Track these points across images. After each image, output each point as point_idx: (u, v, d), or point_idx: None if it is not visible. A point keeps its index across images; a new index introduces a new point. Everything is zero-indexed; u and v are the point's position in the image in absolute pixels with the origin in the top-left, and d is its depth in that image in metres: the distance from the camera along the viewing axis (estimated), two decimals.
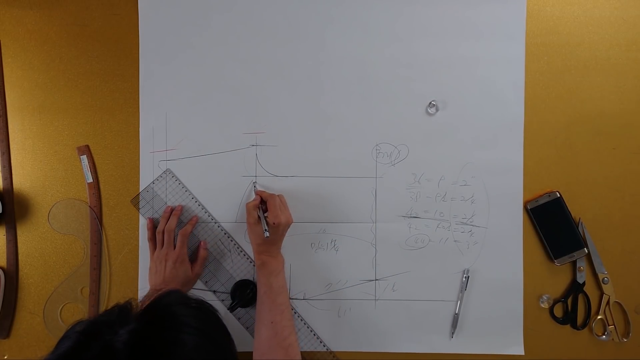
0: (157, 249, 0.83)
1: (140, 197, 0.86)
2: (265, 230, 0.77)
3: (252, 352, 0.79)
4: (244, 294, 0.82)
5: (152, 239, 0.84)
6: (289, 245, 0.85)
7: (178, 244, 0.82)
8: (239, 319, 0.85)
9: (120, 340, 0.47)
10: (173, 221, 0.83)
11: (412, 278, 0.85)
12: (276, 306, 0.78)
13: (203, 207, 0.86)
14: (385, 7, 0.86)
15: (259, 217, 0.79)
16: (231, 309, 0.82)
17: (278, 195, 0.82)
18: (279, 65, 0.86)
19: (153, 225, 0.84)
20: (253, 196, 0.85)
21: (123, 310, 0.51)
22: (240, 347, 0.84)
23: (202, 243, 0.84)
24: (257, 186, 0.85)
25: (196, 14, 0.86)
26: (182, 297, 0.55)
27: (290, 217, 0.81)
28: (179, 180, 0.86)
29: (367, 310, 0.86)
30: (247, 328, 0.85)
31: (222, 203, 0.86)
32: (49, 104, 0.86)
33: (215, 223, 0.86)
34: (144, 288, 0.85)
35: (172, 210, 0.84)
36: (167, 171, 0.86)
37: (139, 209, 0.86)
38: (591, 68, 0.87)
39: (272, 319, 0.77)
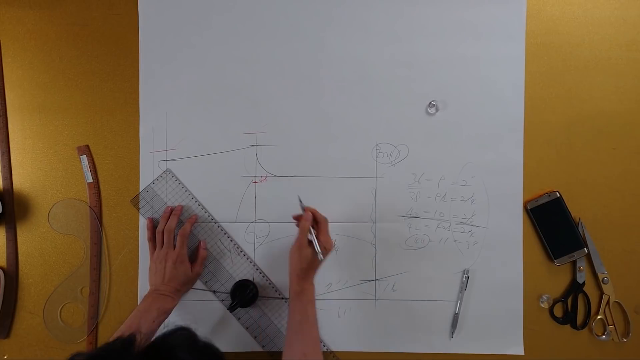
0: (157, 249, 0.83)
1: (140, 197, 0.86)
2: (320, 252, 0.74)
3: (251, 352, 0.79)
4: (244, 294, 0.82)
5: (152, 239, 0.84)
6: (289, 245, 0.85)
7: (178, 243, 0.81)
8: (238, 319, 0.85)
9: None
10: (173, 221, 0.83)
11: (412, 278, 0.85)
12: (311, 338, 0.75)
13: (203, 207, 0.86)
14: (385, 7, 0.86)
15: (309, 239, 0.76)
16: (231, 309, 0.82)
17: (325, 218, 0.80)
18: (279, 65, 0.86)
19: (153, 225, 0.84)
20: (299, 209, 0.81)
21: (125, 345, 0.50)
22: (240, 347, 0.85)
23: (201, 243, 0.84)
24: (303, 202, 0.80)
25: (196, 14, 0.86)
26: (189, 339, 0.53)
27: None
28: (179, 180, 0.86)
29: (367, 310, 0.86)
30: (247, 328, 0.85)
31: (222, 203, 0.86)
32: (49, 104, 0.86)
33: (215, 223, 0.86)
34: (144, 288, 0.85)
35: (172, 210, 0.84)
36: (167, 171, 0.86)
37: (139, 209, 0.86)
38: (591, 68, 0.87)
39: (304, 350, 0.73)
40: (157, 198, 0.86)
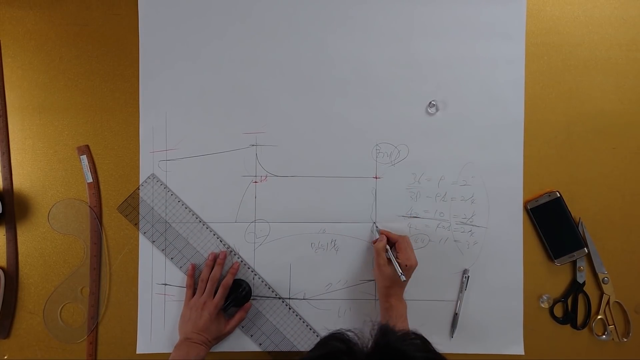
0: (195, 296, 0.82)
1: (126, 204, 0.85)
2: (401, 274, 0.76)
3: (248, 352, 0.79)
4: (237, 294, 0.82)
5: (192, 285, 0.83)
6: (289, 245, 0.85)
7: (218, 294, 0.81)
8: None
9: None
10: (218, 271, 0.82)
11: (412, 278, 0.85)
12: None
13: (190, 210, 0.85)
14: (385, 7, 0.86)
15: (388, 258, 0.79)
16: (224, 309, 0.81)
17: (404, 237, 0.82)
18: (279, 65, 0.86)
19: (193, 273, 0.84)
20: (374, 234, 0.85)
21: (349, 347, 0.49)
22: (236, 347, 0.85)
23: (247, 305, 0.83)
24: (379, 226, 0.85)
25: (196, 14, 0.86)
26: (425, 350, 0.51)
27: (416, 259, 0.79)
28: (165, 184, 0.85)
29: (367, 310, 0.86)
30: (243, 327, 0.85)
31: (222, 203, 0.86)
32: (49, 104, 0.86)
33: (204, 225, 0.85)
34: (144, 288, 0.85)
35: (215, 257, 0.84)
36: (152, 176, 0.85)
37: (126, 215, 0.85)
38: (591, 68, 0.87)
39: None
40: (144, 204, 0.85)
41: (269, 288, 0.86)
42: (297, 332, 0.85)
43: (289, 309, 0.85)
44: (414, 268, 0.78)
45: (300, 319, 0.85)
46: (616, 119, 0.87)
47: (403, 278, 0.76)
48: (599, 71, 0.87)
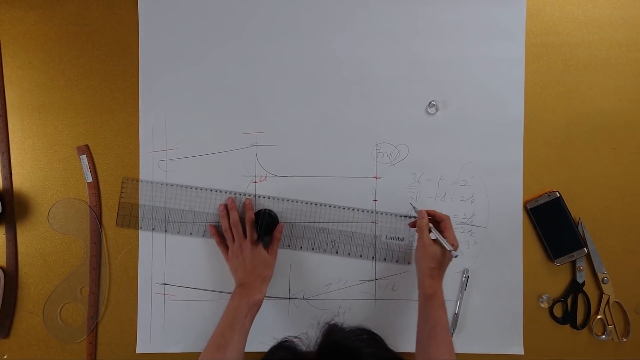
0: (230, 247, 0.82)
1: (119, 214, 0.85)
2: (451, 249, 0.73)
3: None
4: (263, 220, 0.81)
5: (221, 242, 0.83)
6: (289, 245, 0.85)
7: (248, 231, 0.81)
8: None
9: None
10: (235, 214, 0.82)
11: (412, 278, 0.85)
12: (445, 344, 0.70)
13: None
14: (385, 7, 0.86)
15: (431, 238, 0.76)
16: (260, 240, 0.80)
17: (448, 216, 0.80)
18: (279, 65, 0.86)
19: (217, 231, 0.84)
20: (412, 213, 0.83)
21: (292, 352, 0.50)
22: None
23: (279, 226, 0.83)
24: (416, 204, 0.84)
25: (196, 14, 0.86)
26: (376, 345, 0.51)
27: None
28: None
29: (367, 310, 0.86)
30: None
31: (221, 203, 0.86)
32: (49, 104, 0.86)
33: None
34: (144, 288, 0.85)
35: (225, 207, 0.83)
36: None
37: (120, 224, 0.85)
38: (591, 68, 0.87)
39: (440, 357, 0.69)
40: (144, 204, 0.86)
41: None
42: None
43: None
44: (458, 249, 0.76)
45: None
46: (616, 119, 0.87)
47: (455, 254, 0.73)
48: (599, 71, 0.87)
